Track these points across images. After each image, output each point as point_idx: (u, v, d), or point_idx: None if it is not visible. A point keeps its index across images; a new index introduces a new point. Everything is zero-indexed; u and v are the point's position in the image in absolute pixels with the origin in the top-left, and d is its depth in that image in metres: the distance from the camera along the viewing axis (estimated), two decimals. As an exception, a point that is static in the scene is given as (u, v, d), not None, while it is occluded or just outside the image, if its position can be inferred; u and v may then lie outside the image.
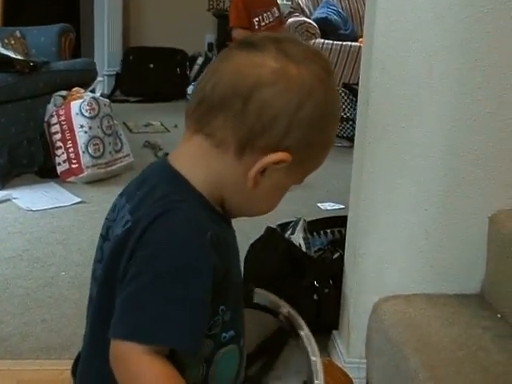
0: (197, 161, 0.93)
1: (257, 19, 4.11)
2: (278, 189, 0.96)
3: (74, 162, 3.84)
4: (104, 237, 1.03)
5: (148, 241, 0.88)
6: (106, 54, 6.38)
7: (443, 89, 1.84)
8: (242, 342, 1.02)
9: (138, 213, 0.92)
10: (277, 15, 4.26)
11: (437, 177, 1.90)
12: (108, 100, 4.18)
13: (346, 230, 2.11)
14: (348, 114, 4.87)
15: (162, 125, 5.26)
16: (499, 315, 1.83)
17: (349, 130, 4.82)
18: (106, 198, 3.62)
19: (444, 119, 1.86)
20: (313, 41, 5.93)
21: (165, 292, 0.85)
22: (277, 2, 4.35)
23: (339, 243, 2.29)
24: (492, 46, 1.82)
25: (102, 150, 3.88)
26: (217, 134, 0.91)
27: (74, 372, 1.08)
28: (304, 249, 2.36)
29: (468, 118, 1.86)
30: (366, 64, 1.90)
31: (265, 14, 4.15)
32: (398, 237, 1.94)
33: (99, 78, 4.35)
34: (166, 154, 0.99)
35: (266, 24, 4.13)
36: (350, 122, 4.77)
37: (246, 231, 2.62)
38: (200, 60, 6.54)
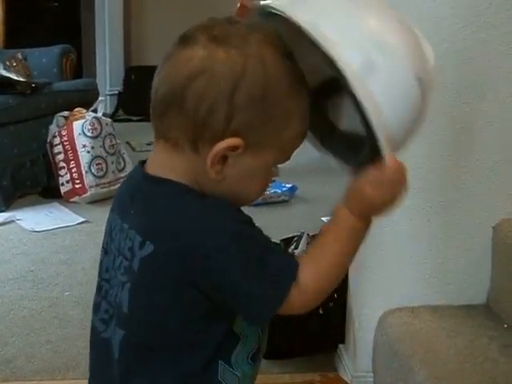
0: (167, 166, 0.93)
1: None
2: (254, 172, 0.92)
3: (77, 181, 3.84)
4: (106, 251, 1.03)
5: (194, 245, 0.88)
6: (108, 74, 6.41)
7: (442, 99, 1.83)
8: None
9: (158, 235, 0.90)
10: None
11: (439, 188, 1.89)
12: (110, 119, 4.19)
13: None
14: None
15: (164, 143, 5.26)
16: (505, 325, 1.82)
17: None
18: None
19: (443, 129, 1.86)
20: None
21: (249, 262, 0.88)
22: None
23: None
24: (490, 54, 1.82)
25: (105, 170, 3.88)
26: (170, 135, 0.91)
27: None
28: (308, 263, 2.35)
29: (468, 128, 1.86)
30: (365, 76, 1.90)
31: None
32: (402, 249, 1.93)
33: (101, 98, 4.36)
34: (142, 162, 0.98)
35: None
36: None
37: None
38: (201, 78, 6.56)
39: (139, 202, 0.95)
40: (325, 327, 2.18)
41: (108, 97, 6.25)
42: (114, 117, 5.56)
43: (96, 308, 1.04)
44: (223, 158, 0.88)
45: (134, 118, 6.18)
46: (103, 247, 1.04)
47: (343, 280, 2.09)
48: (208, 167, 0.88)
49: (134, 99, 6.32)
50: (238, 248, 0.86)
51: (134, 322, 0.95)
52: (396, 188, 0.95)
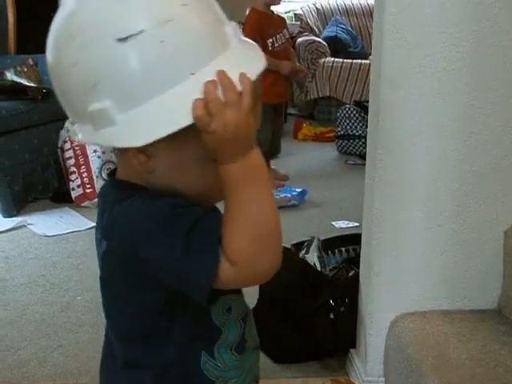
0: (119, 166, 0.97)
1: (270, 40, 4.15)
2: (183, 163, 0.91)
3: (88, 186, 3.86)
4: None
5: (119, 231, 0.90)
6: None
7: (453, 104, 1.84)
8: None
9: (107, 232, 0.93)
10: (287, 36, 4.32)
11: (450, 192, 1.89)
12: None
13: (360, 248, 2.10)
14: (360, 132, 4.87)
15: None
16: (517, 330, 1.82)
17: (361, 148, 4.82)
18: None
19: (455, 134, 1.86)
20: (323, 59, 5.95)
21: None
22: (286, 24, 4.40)
23: (354, 261, 2.28)
24: (500, 59, 1.82)
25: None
26: None
27: None
28: (319, 268, 2.35)
29: (480, 133, 1.86)
30: (376, 81, 1.91)
31: (277, 36, 4.19)
32: (413, 253, 1.93)
33: (111, 103, 4.38)
34: (111, 172, 1.00)
35: (279, 45, 4.17)
36: (362, 140, 4.76)
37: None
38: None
39: (100, 204, 0.99)
40: (336, 332, 2.18)
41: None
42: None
43: None
44: (141, 151, 0.88)
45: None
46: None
47: (354, 285, 2.11)
48: (131, 160, 0.90)
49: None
50: (162, 232, 0.86)
51: (109, 314, 1.01)
52: (223, 107, 0.82)
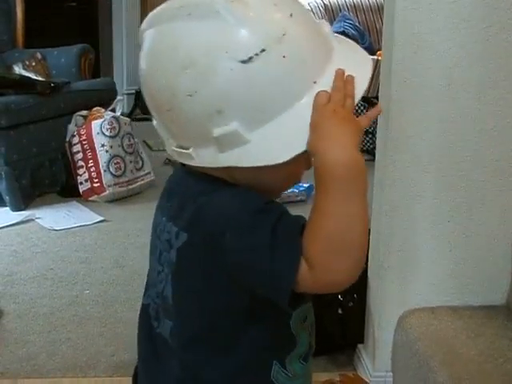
0: None
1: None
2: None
3: (95, 181, 3.87)
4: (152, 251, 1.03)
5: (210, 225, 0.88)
6: (125, 73, 6.43)
7: (464, 100, 1.84)
8: None
9: (190, 224, 0.91)
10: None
11: (460, 188, 1.89)
12: (128, 119, 4.21)
13: (369, 243, 2.11)
14: (368, 128, 4.86)
15: (181, 142, 5.27)
16: (526, 326, 1.82)
17: (369, 143, 4.81)
18: (127, 216, 3.65)
19: (466, 130, 1.86)
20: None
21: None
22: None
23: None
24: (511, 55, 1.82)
25: (123, 169, 3.90)
26: None
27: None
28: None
29: (490, 129, 1.86)
30: (386, 77, 1.90)
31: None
32: (422, 249, 1.93)
33: (119, 97, 4.39)
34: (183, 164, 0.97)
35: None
36: (370, 136, 4.76)
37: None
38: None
39: (176, 196, 0.96)
40: (344, 327, 2.19)
41: (125, 96, 6.27)
42: (131, 116, 5.57)
43: (145, 307, 1.04)
44: None
45: (151, 117, 6.19)
46: (150, 248, 1.04)
47: (362, 280, 2.11)
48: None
49: (151, 98, 6.33)
50: (252, 224, 0.85)
51: (178, 313, 0.95)
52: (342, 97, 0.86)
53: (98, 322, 2.49)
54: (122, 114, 4.25)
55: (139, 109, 6.35)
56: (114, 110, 4.14)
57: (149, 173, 4.10)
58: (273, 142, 0.84)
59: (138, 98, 6.39)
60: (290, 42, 0.83)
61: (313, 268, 0.83)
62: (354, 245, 0.84)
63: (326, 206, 0.84)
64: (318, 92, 0.84)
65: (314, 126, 0.84)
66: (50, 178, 3.99)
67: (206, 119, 0.85)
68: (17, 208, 3.70)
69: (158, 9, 0.89)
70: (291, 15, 0.85)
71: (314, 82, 0.85)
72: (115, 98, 4.31)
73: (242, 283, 0.87)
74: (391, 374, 2.00)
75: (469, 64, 1.81)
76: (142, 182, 4.03)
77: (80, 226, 3.50)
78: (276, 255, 0.83)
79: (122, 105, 4.39)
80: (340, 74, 0.86)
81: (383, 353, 2.01)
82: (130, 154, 3.98)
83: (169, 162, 4.58)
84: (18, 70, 4.15)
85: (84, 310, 2.61)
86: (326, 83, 0.85)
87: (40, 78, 4.05)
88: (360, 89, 0.86)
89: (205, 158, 0.88)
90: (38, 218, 3.59)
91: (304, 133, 0.84)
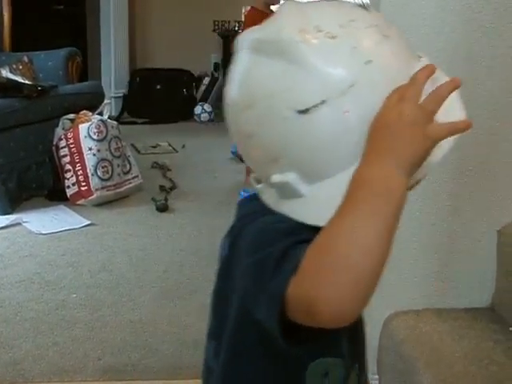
0: None
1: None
2: None
3: (83, 184, 3.86)
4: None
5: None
6: (113, 76, 6.43)
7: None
8: None
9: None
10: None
11: (444, 191, 1.90)
12: (116, 122, 4.21)
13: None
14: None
15: (169, 145, 5.28)
16: (510, 328, 1.82)
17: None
18: (115, 220, 3.64)
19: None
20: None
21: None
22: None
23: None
24: (496, 60, 1.83)
25: (110, 172, 3.90)
26: None
27: None
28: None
29: (474, 132, 1.86)
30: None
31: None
32: (406, 252, 1.94)
33: (106, 101, 4.39)
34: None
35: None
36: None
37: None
38: (206, 80, 6.58)
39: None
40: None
41: (113, 99, 6.27)
42: (119, 119, 5.57)
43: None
44: None
45: (139, 121, 6.20)
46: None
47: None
48: None
49: (139, 102, 6.34)
50: (253, 260, 0.79)
51: (217, 334, 0.91)
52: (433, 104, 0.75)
53: (85, 326, 2.48)
54: (110, 118, 4.25)
55: (127, 112, 6.35)
56: (101, 114, 4.15)
57: (136, 176, 4.09)
58: (325, 203, 0.75)
59: (125, 102, 6.40)
60: (358, 95, 0.74)
61: (300, 273, 0.71)
62: (361, 265, 0.70)
63: (341, 219, 0.72)
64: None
65: (373, 129, 0.74)
66: (37, 182, 3.98)
67: (263, 164, 0.81)
68: (3, 212, 3.68)
69: (245, 32, 0.83)
70: (368, 62, 0.75)
71: None
72: (103, 102, 4.31)
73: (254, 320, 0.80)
74: (377, 376, 2.01)
75: (452, 66, 1.81)
76: (130, 186, 4.03)
77: (67, 229, 3.49)
78: (276, 271, 0.74)
79: (109, 108, 4.39)
80: (429, 67, 0.75)
81: (369, 355, 2.00)
82: (118, 157, 3.98)
83: (157, 165, 4.59)
84: (4, 73, 4.14)
85: (71, 314, 2.60)
86: None
87: (27, 82, 4.04)
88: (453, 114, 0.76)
89: (269, 198, 0.83)
90: (26, 221, 3.58)
91: None
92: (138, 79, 6.45)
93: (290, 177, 0.78)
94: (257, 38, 0.79)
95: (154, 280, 2.92)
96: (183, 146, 5.17)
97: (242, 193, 3.92)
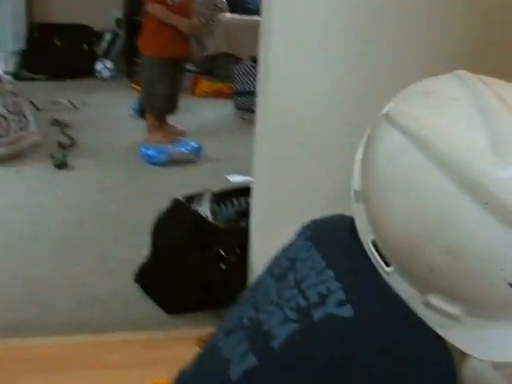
0: None
1: (171, -6, 4.09)
2: None
3: None
4: (278, 278, 0.94)
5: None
6: (10, 31, 6.20)
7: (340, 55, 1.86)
8: None
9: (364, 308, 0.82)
10: (189, -9, 4.27)
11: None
12: (11, 77, 4.09)
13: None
14: (254, 88, 4.89)
15: (69, 102, 5.16)
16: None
17: (254, 103, 4.84)
18: (11, 177, 3.56)
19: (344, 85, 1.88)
20: (221, 15, 5.93)
21: None
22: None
23: (246, 213, 2.31)
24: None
25: (6, 128, 3.79)
26: None
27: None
28: (211, 219, 2.38)
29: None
30: (265, 35, 1.91)
31: (178, -10, 4.13)
32: (309, 204, 1.96)
33: (0, 54, 4.24)
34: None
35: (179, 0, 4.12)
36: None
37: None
38: (108, 36, 6.44)
39: (352, 261, 0.86)
40: (227, 283, 2.21)
41: (11, 55, 6.06)
42: (17, 75, 5.41)
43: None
44: None
45: (38, 77, 6.02)
46: (270, 269, 0.97)
47: (245, 235, 2.13)
48: None
49: (38, 57, 6.16)
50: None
51: (277, 359, 0.86)
52: None
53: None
54: (7, 73, 4.11)
55: (26, 68, 6.17)
56: (-4, 69, 4.01)
57: (34, 133, 3.99)
58: (491, 343, 0.77)
59: (24, 57, 6.20)
60: None
61: None
62: None
63: None
64: None
65: None
66: None
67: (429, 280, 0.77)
68: None
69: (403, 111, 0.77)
70: None
71: None
72: (-4, 56, 4.17)
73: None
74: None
75: (347, 19, 1.82)
76: (26, 142, 3.93)
77: None
78: None
79: (4, 63, 4.24)
80: None
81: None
82: (14, 113, 3.87)
83: (56, 122, 4.48)
84: None
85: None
86: None
87: None
88: None
89: (402, 291, 0.80)
90: None
91: None
92: (36, 34, 6.25)
93: (455, 311, 0.76)
94: (428, 141, 0.71)
95: (51, 237, 2.88)
96: (83, 103, 5.07)
97: (142, 149, 3.90)
